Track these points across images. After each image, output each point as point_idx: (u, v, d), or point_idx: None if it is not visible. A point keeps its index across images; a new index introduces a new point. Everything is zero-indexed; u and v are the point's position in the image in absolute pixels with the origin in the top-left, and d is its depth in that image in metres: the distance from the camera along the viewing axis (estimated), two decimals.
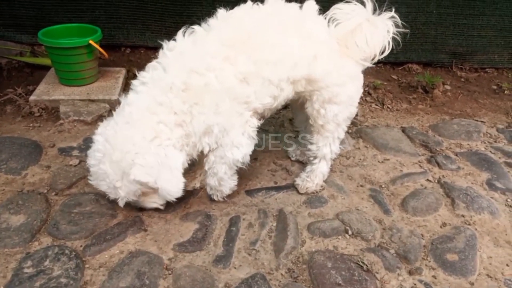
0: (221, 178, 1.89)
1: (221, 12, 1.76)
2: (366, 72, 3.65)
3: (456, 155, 2.60)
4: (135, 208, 1.87)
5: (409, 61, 3.84)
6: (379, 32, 1.86)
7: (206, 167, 1.87)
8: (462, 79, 3.77)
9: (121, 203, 1.71)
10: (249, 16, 1.74)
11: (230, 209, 1.99)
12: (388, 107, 3.18)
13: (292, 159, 2.39)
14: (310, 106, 1.98)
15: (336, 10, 1.86)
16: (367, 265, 1.73)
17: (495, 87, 3.69)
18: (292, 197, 2.11)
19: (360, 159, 2.49)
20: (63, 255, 1.64)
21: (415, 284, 1.70)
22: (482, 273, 1.77)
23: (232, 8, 3.42)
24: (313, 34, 1.80)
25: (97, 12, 3.32)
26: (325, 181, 2.20)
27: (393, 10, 1.93)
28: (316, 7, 1.86)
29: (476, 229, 2.01)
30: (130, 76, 3.16)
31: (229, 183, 1.95)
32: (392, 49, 3.86)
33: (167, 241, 1.78)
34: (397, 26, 1.91)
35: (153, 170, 1.60)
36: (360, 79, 2.00)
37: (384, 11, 1.93)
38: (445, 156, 2.56)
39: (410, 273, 1.75)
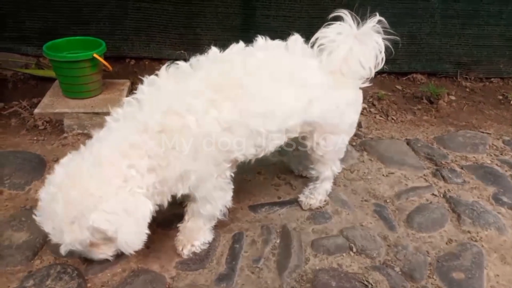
0: (198, 229, 1.79)
1: (214, 51, 1.68)
2: (370, 82, 3.68)
3: (462, 168, 2.57)
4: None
5: (413, 71, 3.83)
6: (370, 48, 1.78)
7: (186, 219, 1.79)
8: (467, 90, 3.75)
9: (63, 251, 1.46)
10: (241, 63, 1.63)
11: (233, 225, 1.98)
12: (392, 119, 3.16)
13: (296, 173, 2.37)
14: (309, 140, 1.91)
15: (322, 38, 1.78)
16: (372, 284, 1.71)
17: (500, 97, 3.66)
18: (295, 213, 2.09)
19: (365, 172, 2.47)
20: (65, 274, 1.63)
21: None
22: None
23: (234, 20, 3.43)
24: (306, 80, 1.71)
25: (102, 24, 3.34)
26: (329, 196, 2.18)
27: (377, 14, 1.81)
28: (301, 40, 1.79)
29: (482, 246, 1.99)
30: (135, 88, 3.17)
31: (204, 238, 1.82)
32: (396, 59, 3.87)
33: (170, 259, 1.77)
34: (386, 32, 1.80)
35: (116, 217, 1.41)
36: (359, 102, 1.95)
37: (368, 17, 1.83)
38: (451, 169, 2.53)
39: None
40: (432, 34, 3.70)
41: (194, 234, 1.78)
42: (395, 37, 1.83)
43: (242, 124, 1.58)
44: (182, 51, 3.56)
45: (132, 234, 1.46)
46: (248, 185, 2.25)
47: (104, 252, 1.56)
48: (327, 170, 2.06)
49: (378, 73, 3.80)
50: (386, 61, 4.04)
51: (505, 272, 1.85)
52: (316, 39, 1.80)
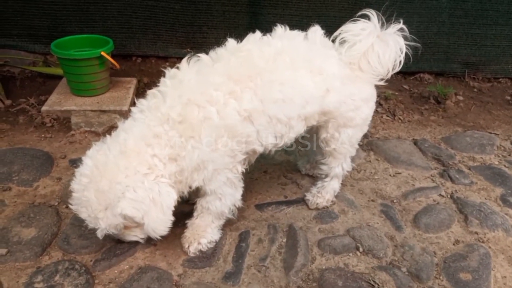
0: (205, 227, 1.81)
1: (231, 42, 1.69)
2: None
3: (469, 169, 2.56)
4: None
5: (420, 70, 3.81)
6: (391, 49, 1.81)
7: (194, 215, 1.82)
8: (475, 90, 3.72)
9: (100, 235, 1.57)
10: (259, 51, 1.65)
11: (240, 224, 1.98)
12: (399, 118, 3.15)
13: (302, 172, 2.37)
14: (323, 132, 1.93)
15: (345, 32, 1.81)
16: (378, 284, 1.71)
17: (508, 97, 3.63)
18: (302, 212, 2.09)
19: (371, 172, 2.46)
20: (73, 270, 1.64)
21: None
22: None
23: (241, 19, 3.41)
24: (324, 69, 1.73)
25: (109, 22, 3.35)
26: (335, 196, 2.18)
27: (402, 21, 1.87)
28: (321, 32, 1.81)
29: (490, 247, 1.97)
30: (141, 86, 3.18)
31: (211, 236, 1.82)
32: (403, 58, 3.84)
33: (177, 257, 1.77)
34: (406, 38, 1.85)
35: (142, 205, 1.49)
36: (373, 98, 1.96)
37: (393, 22, 1.88)
38: (458, 170, 2.52)
39: None
40: (440, 33, 3.68)
41: (202, 232, 1.79)
42: (415, 43, 1.88)
43: (262, 112, 1.62)
44: (189, 50, 3.57)
45: (158, 221, 1.54)
46: (255, 184, 2.25)
47: (136, 235, 1.66)
48: (338, 167, 2.07)
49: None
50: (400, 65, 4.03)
51: None
52: (339, 33, 1.83)
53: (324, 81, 1.73)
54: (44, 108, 2.73)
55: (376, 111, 3.20)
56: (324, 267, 1.79)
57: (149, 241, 1.79)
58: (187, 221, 1.83)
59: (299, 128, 1.77)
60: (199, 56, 1.65)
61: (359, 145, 2.69)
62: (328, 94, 1.75)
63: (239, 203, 1.82)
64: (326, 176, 2.11)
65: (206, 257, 1.77)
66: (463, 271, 1.82)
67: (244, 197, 1.87)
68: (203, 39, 3.52)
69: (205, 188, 1.67)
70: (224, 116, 1.55)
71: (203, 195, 1.74)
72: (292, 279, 1.72)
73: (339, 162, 2.06)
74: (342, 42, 1.82)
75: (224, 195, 1.72)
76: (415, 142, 2.80)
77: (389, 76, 1.89)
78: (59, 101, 2.79)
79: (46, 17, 3.26)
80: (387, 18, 1.90)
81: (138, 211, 1.49)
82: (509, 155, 2.73)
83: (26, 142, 2.47)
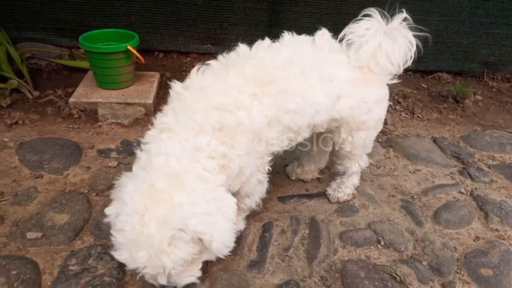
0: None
1: (242, 48, 1.67)
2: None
3: (489, 167, 2.57)
4: None
5: (439, 69, 3.81)
6: (400, 45, 1.77)
7: None
8: (494, 90, 3.71)
9: (164, 280, 1.36)
10: (271, 59, 1.61)
11: (263, 215, 2.03)
12: (418, 116, 3.16)
13: (292, 178, 2.30)
14: (336, 136, 1.93)
15: (350, 33, 1.77)
16: (400, 277, 1.74)
17: None
18: (323, 205, 2.14)
19: (391, 168, 2.49)
20: (106, 255, 1.71)
21: None
22: None
23: (261, 16, 3.43)
24: (334, 75, 1.69)
25: (133, 17, 3.42)
26: (356, 190, 2.21)
27: (404, 11, 1.80)
28: (329, 36, 1.78)
29: (511, 244, 1.99)
30: (164, 81, 3.25)
31: (238, 226, 1.84)
32: (422, 57, 3.84)
33: None
34: (411, 28, 1.79)
35: (210, 218, 1.37)
36: (386, 97, 1.93)
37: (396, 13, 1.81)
38: (478, 168, 2.53)
39: (443, 286, 1.75)
40: (459, 32, 3.68)
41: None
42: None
43: (277, 120, 1.60)
44: (209, 45, 3.63)
45: (226, 232, 1.42)
46: (277, 178, 2.30)
47: (193, 274, 1.48)
48: (355, 165, 2.08)
49: (404, 70, 3.83)
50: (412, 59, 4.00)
51: None
52: (344, 34, 1.79)
53: (334, 88, 1.70)
54: (71, 99, 2.81)
55: (394, 109, 3.23)
56: (346, 258, 1.83)
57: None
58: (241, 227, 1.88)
59: (306, 135, 1.78)
60: (209, 63, 1.62)
61: (379, 141, 2.74)
62: (339, 101, 1.72)
63: (264, 195, 1.86)
64: (344, 173, 2.14)
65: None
66: (484, 266, 1.85)
67: (267, 189, 1.91)
68: (224, 35, 3.58)
69: (240, 191, 1.67)
70: (252, 120, 1.51)
71: (235, 194, 1.70)
72: (315, 269, 1.76)
73: (355, 162, 2.06)
74: (349, 44, 1.78)
75: (254, 193, 1.76)
76: (434, 140, 2.82)
77: (401, 71, 1.84)
78: (86, 93, 2.87)
79: (72, 11, 3.34)
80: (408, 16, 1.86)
81: (208, 225, 1.36)
82: None
83: (55, 132, 2.55)
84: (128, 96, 2.86)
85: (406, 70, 3.93)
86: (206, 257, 1.49)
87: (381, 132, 2.87)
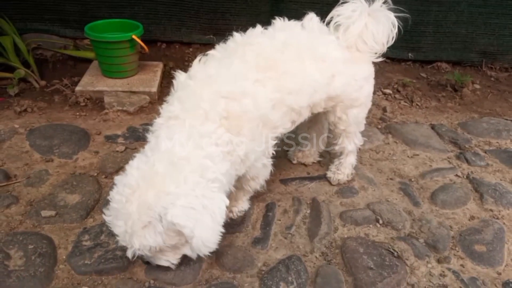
0: (237, 199, 1.92)
1: (239, 36, 1.71)
2: (395, 70, 3.76)
3: (485, 152, 2.64)
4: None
5: (438, 59, 3.88)
6: (383, 25, 1.88)
7: None
8: (492, 79, 3.78)
9: (130, 255, 1.45)
10: (268, 43, 1.68)
11: (266, 196, 2.11)
12: (417, 104, 3.23)
13: (294, 162, 2.38)
14: (331, 115, 2.02)
15: (337, 16, 1.86)
16: (397, 252, 1.82)
17: None
18: (324, 187, 2.21)
19: (390, 153, 2.57)
20: None
21: (443, 272, 1.78)
22: (509, 264, 1.84)
23: (263, 6, 3.47)
24: (327, 55, 1.78)
25: (136, 8, 3.49)
26: (355, 174, 2.29)
27: None
28: (317, 19, 1.85)
29: (504, 223, 2.07)
30: (167, 70, 3.31)
31: (242, 206, 1.95)
32: (422, 47, 3.90)
33: None
34: (392, 10, 1.89)
35: (194, 212, 1.37)
36: (373, 74, 2.04)
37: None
38: (474, 153, 2.61)
39: (439, 261, 1.83)
40: (458, 22, 3.73)
41: (233, 202, 1.92)
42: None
43: (282, 101, 1.66)
44: (211, 36, 3.69)
45: (209, 231, 1.42)
46: (279, 161, 2.36)
47: (169, 259, 1.55)
48: (350, 144, 2.16)
49: (403, 60, 3.89)
50: (411, 49, 4.05)
51: None
52: (332, 17, 1.89)
53: (329, 67, 1.79)
54: (77, 88, 2.88)
55: (394, 97, 3.30)
56: (346, 236, 1.91)
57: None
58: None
59: (306, 115, 1.87)
60: (209, 54, 1.66)
61: (378, 128, 2.81)
62: (334, 79, 1.81)
63: (268, 177, 1.92)
64: (341, 154, 2.21)
65: (236, 224, 1.91)
66: (478, 243, 1.93)
67: (270, 173, 1.99)
68: (226, 26, 3.63)
69: (245, 175, 1.73)
70: (258, 106, 1.56)
71: (240, 176, 1.76)
72: (316, 245, 1.84)
73: (350, 140, 2.14)
74: (337, 26, 1.87)
75: (259, 176, 1.83)
76: (433, 127, 2.89)
77: (385, 50, 1.96)
78: (92, 82, 2.94)
79: (77, 3, 3.40)
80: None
81: (189, 220, 1.35)
82: None
83: (63, 119, 2.63)
84: (133, 84, 2.93)
85: (405, 60, 4.02)
86: (187, 251, 1.53)
87: (380, 119, 2.97)
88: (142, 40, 2.96)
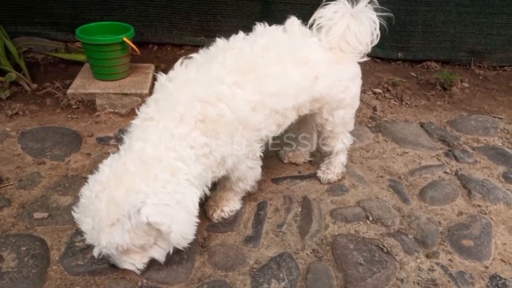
0: (228, 199, 1.94)
1: (220, 41, 1.74)
2: (385, 69, 3.81)
3: (473, 149, 2.69)
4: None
5: (427, 59, 3.93)
6: (365, 26, 1.89)
7: (218, 188, 1.93)
8: (481, 77, 3.83)
9: (96, 253, 1.45)
10: (249, 48, 1.71)
11: (258, 195, 2.13)
12: (407, 103, 3.27)
13: (285, 161, 2.40)
14: (318, 117, 2.04)
15: (319, 18, 1.88)
16: (387, 248, 1.85)
17: None
18: (315, 186, 2.24)
19: (380, 151, 2.60)
20: None
21: (432, 266, 1.81)
22: (496, 258, 1.88)
23: (254, 8, 3.51)
24: (309, 57, 1.80)
25: (127, 10, 3.50)
26: (346, 172, 2.32)
27: None
28: (298, 22, 1.87)
29: (491, 218, 2.11)
30: (159, 72, 3.32)
31: (233, 206, 1.97)
32: (411, 47, 3.95)
33: (201, 222, 1.89)
34: (376, 9, 1.92)
35: (169, 209, 1.39)
36: (359, 75, 2.05)
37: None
38: (463, 150, 2.65)
39: (427, 256, 1.86)
40: (446, 22, 3.79)
41: (224, 202, 1.94)
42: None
43: (263, 104, 1.68)
44: (203, 38, 3.71)
45: (186, 224, 1.45)
46: (270, 161, 2.40)
47: (134, 263, 1.55)
48: (339, 144, 2.18)
49: (393, 60, 3.94)
50: (401, 49, 4.10)
51: None
52: (314, 19, 1.91)
53: (311, 69, 1.80)
54: (69, 91, 2.88)
55: (384, 97, 3.34)
56: (336, 233, 1.94)
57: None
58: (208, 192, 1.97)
59: (292, 117, 1.87)
60: (191, 56, 1.68)
61: (368, 127, 2.85)
62: (317, 81, 1.83)
63: (259, 177, 1.95)
64: (331, 153, 2.23)
65: (228, 223, 1.93)
66: (466, 238, 1.96)
67: (260, 172, 2.01)
68: (217, 27, 3.66)
69: (228, 175, 1.76)
70: (235, 109, 1.57)
71: (227, 178, 1.81)
72: (308, 242, 1.87)
73: (339, 140, 2.16)
74: (319, 28, 1.89)
75: (247, 178, 1.85)
76: (422, 125, 2.93)
77: (369, 50, 1.97)
78: (83, 84, 2.95)
79: (67, 6, 3.41)
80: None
81: (165, 216, 1.38)
82: None
83: (54, 122, 2.63)
84: (124, 86, 2.94)
85: (395, 60, 4.06)
86: (155, 254, 1.55)
87: (370, 118, 3.01)
88: (134, 42, 2.97)
